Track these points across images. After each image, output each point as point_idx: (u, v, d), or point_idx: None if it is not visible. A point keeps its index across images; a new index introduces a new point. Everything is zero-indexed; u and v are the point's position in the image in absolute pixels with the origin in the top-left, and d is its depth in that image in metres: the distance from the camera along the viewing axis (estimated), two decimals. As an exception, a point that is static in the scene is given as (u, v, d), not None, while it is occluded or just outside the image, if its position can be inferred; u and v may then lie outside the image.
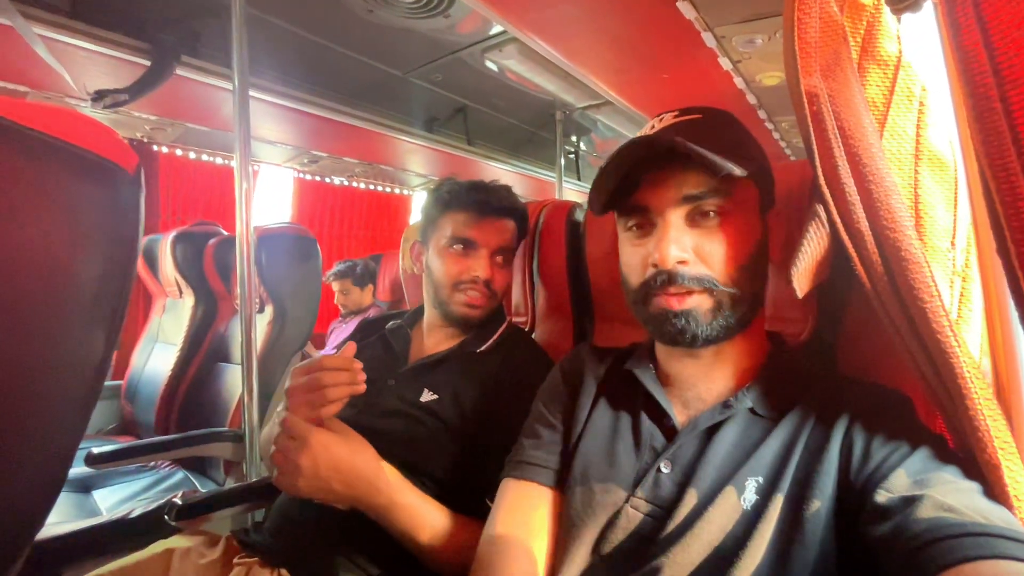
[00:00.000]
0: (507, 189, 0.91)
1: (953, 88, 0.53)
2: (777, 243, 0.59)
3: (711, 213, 0.53)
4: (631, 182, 0.56)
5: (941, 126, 0.54)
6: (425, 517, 0.70)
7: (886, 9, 0.54)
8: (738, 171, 0.49)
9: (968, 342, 0.50)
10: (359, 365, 0.69)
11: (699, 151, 0.48)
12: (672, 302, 0.53)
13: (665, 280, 0.53)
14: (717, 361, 0.58)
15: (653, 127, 0.58)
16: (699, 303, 0.53)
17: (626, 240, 0.59)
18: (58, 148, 0.33)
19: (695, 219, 0.54)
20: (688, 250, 0.53)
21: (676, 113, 0.58)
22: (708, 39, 1.41)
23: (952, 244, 0.53)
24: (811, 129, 0.50)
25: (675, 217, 0.53)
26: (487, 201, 0.87)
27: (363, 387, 0.68)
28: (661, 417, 0.58)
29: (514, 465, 0.65)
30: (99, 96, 1.53)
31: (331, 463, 0.66)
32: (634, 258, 0.57)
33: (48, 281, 0.33)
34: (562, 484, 0.62)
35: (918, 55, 0.55)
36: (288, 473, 0.66)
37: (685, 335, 0.53)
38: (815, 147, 0.50)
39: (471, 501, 0.72)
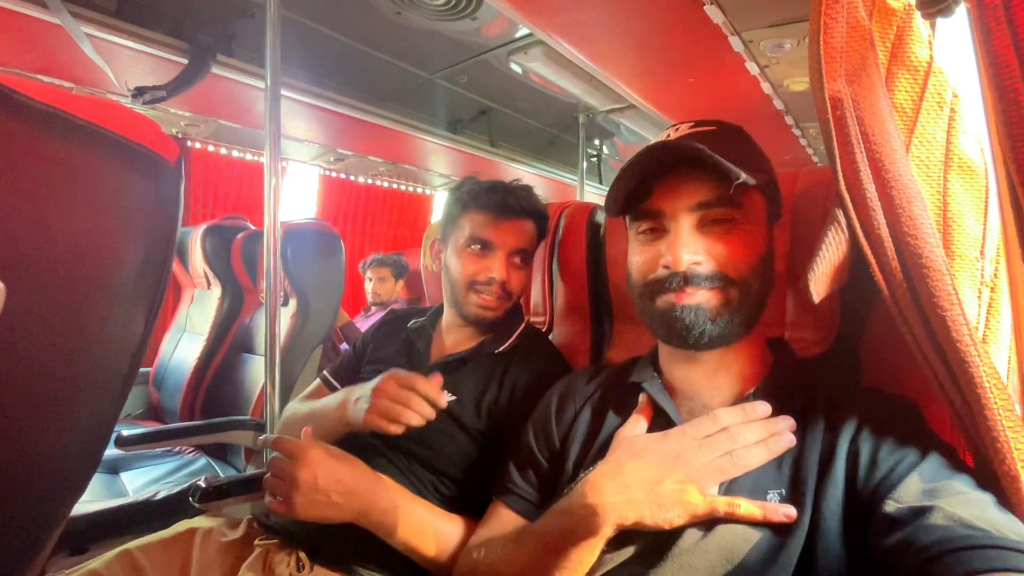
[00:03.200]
0: (527, 190, 0.91)
1: (983, 94, 0.52)
2: (780, 254, 0.61)
3: (721, 220, 0.55)
4: (644, 188, 0.58)
5: (973, 133, 0.53)
6: (429, 522, 0.71)
7: (917, 14, 0.53)
8: (751, 180, 0.51)
9: (995, 356, 0.49)
10: (443, 403, 0.72)
11: (718, 159, 0.50)
12: (681, 296, 0.54)
13: (680, 281, 0.54)
14: (721, 367, 0.59)
15: (669, 135, 0.60)
16: (707, 299, 0.54)
17: (636, 242, 0.61)
18: (108, 139, 0.35)
19: (706, 225, 0.55)
20: (700, 252, 0.54)
21: (692, 124, 0.60)
22: (735, 43, 1.40)
23: (981, 253, 0.52)
24: (833, 134, 0.49)
25: (687, 222, 0.55)
26: (506, 202, 0.87)
27: (424, 420, 0.72)
28: (669, 426, 0.58)
29: (500, 487, 0.69)
30: (139, 93, 1.59)
31: (330, 473, 0.67)
32: (642, 256, 0.59)
33: (95, 264, 0.35)
34: (538, 515, 0.64)
35: (950, 61, 0.54)
36: (284, 492, 0.66)
37: (692, 331, 0.54)
38: (837, 152, 0.50)
39: (487, 501, 0.73)
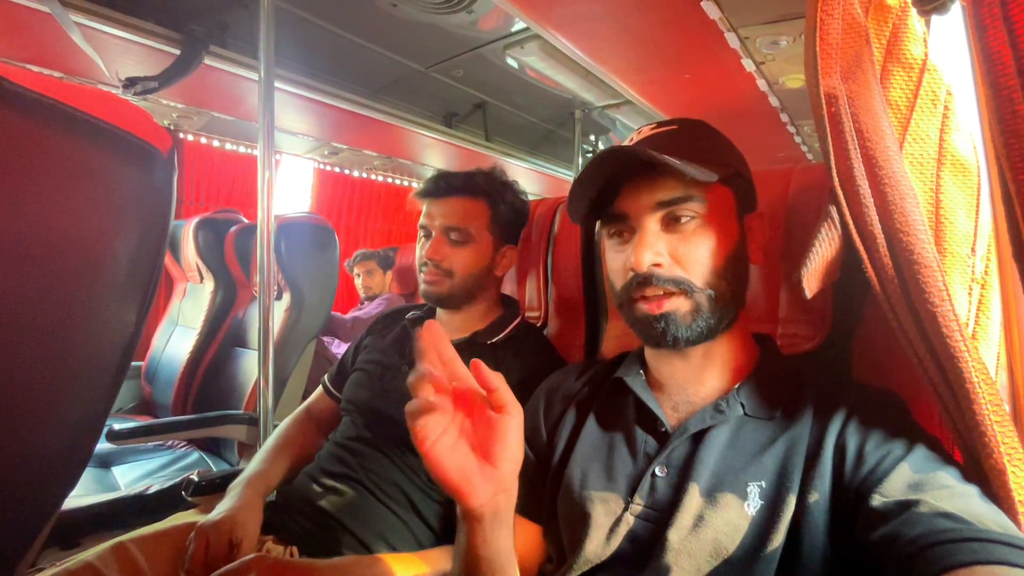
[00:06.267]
0: (475, 171, 0.93)
1: (978, 91, 0.52)
2: (758, 245, 0.60)
3: (683, 218, 0.55)
4: (612, 192, 0.58)
5: (966, 131, 0.54)
6: (415, 561, 0.72)
7: (913, 11, 0.54)
8: (702, 176, 0.51)
9: (984, 352, 0.50)
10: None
11: (662, 158, 0.51)
12: (652, 306, 0.55)
13: (641, 282, 0.55)
14: (706, 362, 0.59)
15: (632, 139, 0.61)
16: (677, 306, 0.55)
17: (609, 247, 0.62)
18: (99, 129, 0.35)
19: (670, 224, 0.56)
20: (663, 254, 0.55)
21: (654, 126, 0.61)
22: (732, 40, 1.40)
23: (972, 251, 0.53)
24: (828, 130, 0.50)
25: (651, 223, 0.56)
26: (436, 186, 0.91)
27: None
28: (653, 422, 0.58)
29: None
30: (130, 83, 1.57)
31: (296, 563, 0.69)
32: (616, 263, 0.60)
33: (86, 255, 0.34)
34: (530, 511, 0.65)
35: (945, 59, 0.54)
36: None
37: (667, 337, 0.55)
38: (831, 149, 0.50)
39: None
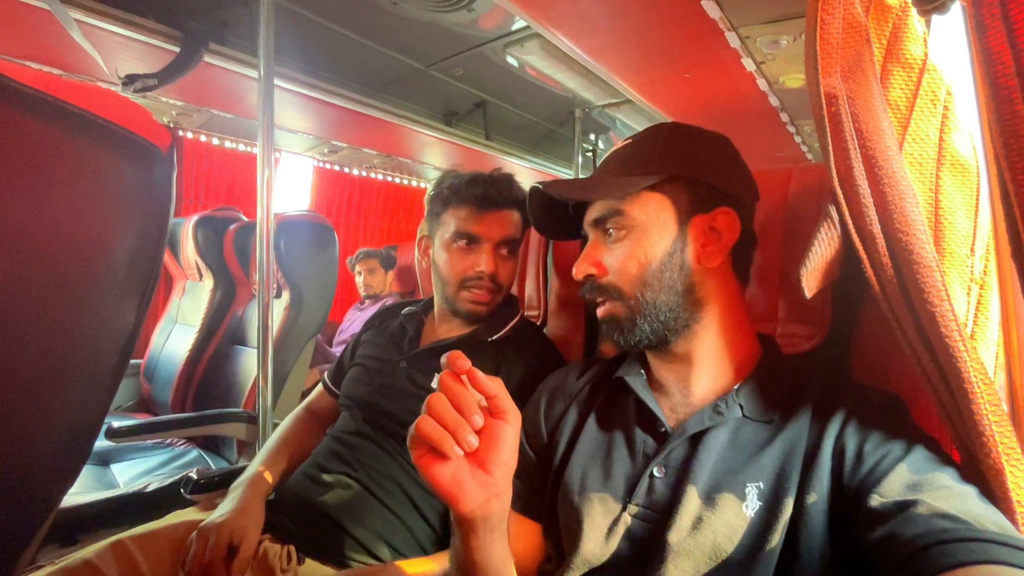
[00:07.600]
0: (508, 179, 0.90)
1: (978, 91, 0.52)
2: (715, 247, 0.58)
3: (611, 231, 0.60)
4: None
5: (965, 131, 0.54)
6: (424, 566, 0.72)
7: (913, 11, 0.54)
8: (607, 193, 0.59)
9: (983, 352, 0.50)
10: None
11: (556, 192, 0.61)
12: (598, 311, 0.61)
13: (583, 290, 0.62)
14: (691, 363, 0.59)
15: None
16: (613, 311, 0.60)
17: None
18: (98, 126, 0.34)
19: (605, 237, 0.61)
20: (598, 265, 0.60)
21: (624, 140, 0.65)
22: (732, 39, 1.40)
23: (971, 251, 0.53)
24: (828, 130, 0.50)
25: (592, 237, 0.62)
26: (487, 194, 0.86)
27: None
28: (652, 422, 0.58)
29: None
30: (129, 81, 1.56)
31: None
32: None
33: (85, 252, 0.34)
34: (530, 510, 0.65)
35: (945, 59, 0.54)
36: None
37: (613, 336, 0.59)
38: (831, 148, 0.50)
39: None
